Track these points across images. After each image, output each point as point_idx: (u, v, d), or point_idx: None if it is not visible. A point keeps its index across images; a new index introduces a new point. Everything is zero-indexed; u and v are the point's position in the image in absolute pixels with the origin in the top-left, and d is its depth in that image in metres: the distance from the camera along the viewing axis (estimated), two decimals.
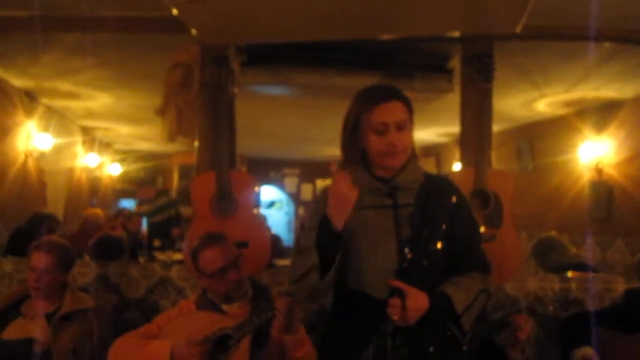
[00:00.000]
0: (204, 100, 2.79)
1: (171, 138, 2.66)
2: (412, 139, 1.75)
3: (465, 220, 1.78)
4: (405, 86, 3.24)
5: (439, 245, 1.72)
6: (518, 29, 2.44)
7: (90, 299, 2.52)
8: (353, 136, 1.73)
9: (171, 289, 2.91)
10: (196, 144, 2.86)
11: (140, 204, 6.50)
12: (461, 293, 1.68)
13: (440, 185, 1.80)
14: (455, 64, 3.33)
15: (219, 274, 2.17)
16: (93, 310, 2.47)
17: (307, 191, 10.76)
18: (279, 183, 11.02)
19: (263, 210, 10.75)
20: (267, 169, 10.73)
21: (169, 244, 6.07)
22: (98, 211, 5.24)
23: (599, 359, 2.25)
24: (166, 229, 6.12)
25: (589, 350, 2.30)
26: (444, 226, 1.73)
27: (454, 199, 1.77)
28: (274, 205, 11.34)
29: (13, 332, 2.38)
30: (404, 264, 1.67)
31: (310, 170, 10.67)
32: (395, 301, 1.60)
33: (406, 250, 1.67)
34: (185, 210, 6.14)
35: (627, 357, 2.24)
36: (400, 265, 1.67)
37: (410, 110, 1.72)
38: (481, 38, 2.85)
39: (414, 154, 1.78)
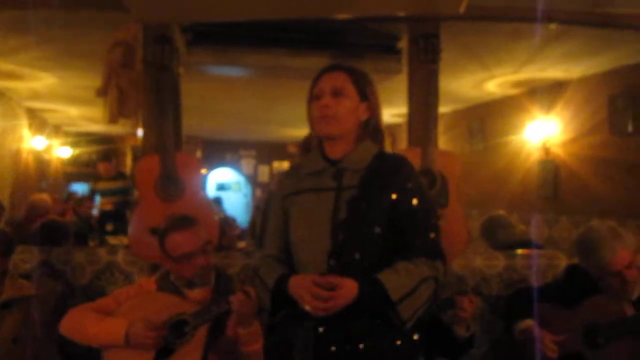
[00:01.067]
0: (147, 80, 2.71)
1: (113, 119, 2.58)
2: (354, 112, 1.70)
3: (415, 203, 1.69)
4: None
5: (377, 229, 1.64)
6: (462, 9, 2.45)
7: (31, 287, 2.45)
8: (309, 114, 1.74)
9: (118, 274, 2.86)
10: (140, 127, 2.79)
11: (97, 180, 6.28)
12: (400, 279, 1.59)
13: (390, 166, 1.72)
14: (404, 44, 3.33)
15: (185, 258, 2.12)
16: (35, 298, 2.40)
17: (264, 173, 10.72)
18: (235, 165, 10.94)
19: (219, 193, 10.67)
20: (224, 151, 10.64)
21: (122, 228, 5.95)
22: (44, 196, 5.09)
23: (540, 329, 2.31)
24: (120, 213, 5.99)
25: (530, 323, 2.37)
26: (387, 209, 1.66)
27: (404, 181, 1.70)
28: (226, 187, 11.25)
29: None
30: (336, 249, 1.62)
31: (267, 151, 10.64)
32: (313, 302, 1.55)
33: (339, 233, 1.63)
34: (135, 193, 6.01)
35: (567, 329, 2.31)
36: (333, 248, 1.63)
37: (355, 81, 1.70)
38: (427, 18, 2.85)
39: (367, 134, 1.74)
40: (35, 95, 6.05)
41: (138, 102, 2.65)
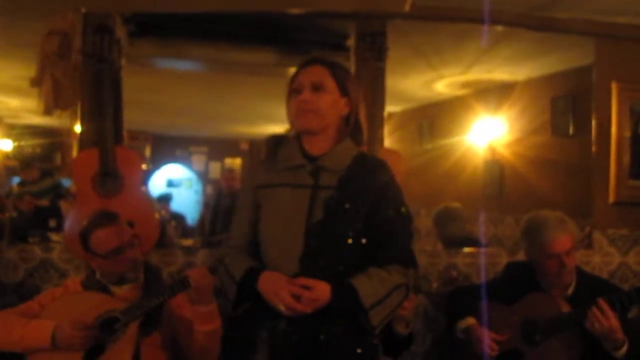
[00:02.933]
0: (85, 71, 2.62)
1: (48, 111, 2.48)
2: (334, 107, 1.67)
3: (392, 208, 1.69)
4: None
5: (352, 233, 1.63)
6: (407, 8, 2.46)
7: None
8: (288, 109, 1.72)
9: (53, 272, 2.76)
10: (76, 122, 2.70)
11: (23, 184, 6.16)
12: (372, 286, 1.59)
13: (368, 169, 1.70)
14: (353, 42, 3.33)
15: (113, 254, 2.07)
16: None
17: (215, 169, 10.58)
18: (186, 161, 10.77)
19: (169, 189, 10.48)
20: (174, 146, 10.45)
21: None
22: None
23: (481, 328, 2.35)
24: (54, 211, 5.81)
25: (471, 321, 2.41)
26: (363, 213, 1.64)
27: (382, 187, 1.68)
28: (177, 184, 11.07)
29: None
30: (308, 249, 1.60)
31: (218, 148, 10.51)
32: (288, 299, 1.53)
33: (313, 235, 1.60)
34: (72, 187, 5.88)
35: (506, 326, 2.36)
36: (305, 249, 1.60)
37: (335, 75, 1.67)
38: (374, 16, 2.85)
39: (348, 130, 1.72)
40: None
41: (75, 93, 2.55)
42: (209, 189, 10.35)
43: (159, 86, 5.46)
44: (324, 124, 1.67)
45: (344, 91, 1.68)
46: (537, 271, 2.44)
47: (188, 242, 5.60)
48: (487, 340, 2.32)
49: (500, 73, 4.79)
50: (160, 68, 4.01)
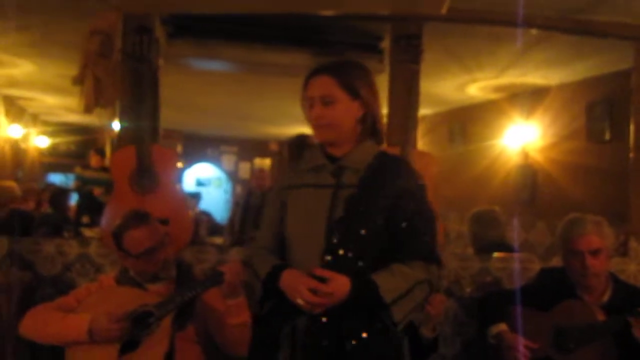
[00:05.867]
0: (125, 71, 2.68)
1: (88, 109, 2.54)
2: (348, 114, 1.67)
3: (413, 205, 1.67)
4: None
5: (373, 230, 1.63)
6: (443, 11, 2.45)
7: None
8: (305, 116, 1.73)
9: (89, 266, 2.81)
10: (115, 119, 2.76)
11: (85, 168, 6.31)
12: (393, 281, 1.59)
13: (390, 167, 1.70)
14: (387, 44, 3.33)
15: (145, 254, 2.10)
16: (1, 287, 2.36)
17: (244, 169, 10.66)
18: (216, 161, 10.87)
19: (199, 188, 10.60)
20: (205, 146, 10.56)
21: (98, 221, 5.88)
22: (11, 183, 5.01)
23: (513, 334, 2.33)
24: (97, 205, 5.93)
25: (503, 326, 2.38)
26: (384, 210, 1.64)
27: (403, 183, 1.68)
28: (206, 183, 11.19)
29: None
30: (330, 247, 1.61)
31: (248, 148, 10.59)
32: (306, 293, 1.55)
33: (334, 232, 1.62)
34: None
35: (538, 332, 2.33)
36: (327, 247, 1.62)
37: (342, 83, 1.65)
38: (410, 19, 2.85)
39: (366, 129, 1.71)
40: (13, 83, 5.95)
41: (115, 92, 2.61)
42: (239, 189, 10.44)
43: (192, 86, 5.54)
44: (341, 133, 1.69)
45: (354, 94, 1.67)
46: (569, 275, 2.41)
47: (218, 239, 5.66)
48: (520, 346, 2.29)
49: (534, 77, 4.74)
50: (195, 68, 4.07)
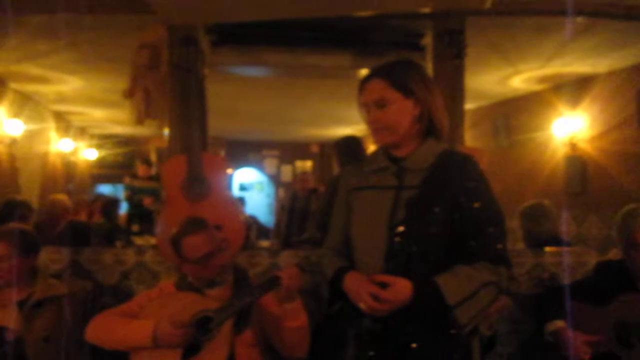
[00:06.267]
0: (173, 81, 2.74)
1: (139, 121, 2.61)
2: (404, 114, 1.65)
3: (479, 205, 1.62)
4: (377, 64, 3.23)
5: (435, 231, 1.60)
6: (487, 4, 2.43)
7: (63, 286, 2.49)
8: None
9: (146, 274, 2.88)
10: (165, 128, 2.82)
11: (134, 178, 6.49)
12: (457, 283, 1.56)
13: (453, 166, 1.66)
14: (428, 41, 3.31)
15: (204, 260, 2.14)
16: (66, 297, 2.44)
17: (287, 172, 10.73)
18: (258, 165, 10.97)
19: (241, 193, 10.71)
20: (246, 151, 10.67)
21: (148, 229, 6.03)
22: (62, 196, 5.18)
23: (572, 331, 2.28)
24: (147, 213, 6.08)
25: (561, 323, 2.33)
26: (448, 211, 1.61)
27: (466, 182, 1.63)
28: (249, 188, 11.29)
29: None
30: (392, 249, 1.61)
31: (290, 151, 10.65)
32: (367, 299, 1.56)
33: (396, 234, 1.61)
34: (164, 195, 6.11)
35: (598, 328, 2.28)
36: (389, 249, 1.61)
37: (394, 84, 1.64)
38: (452, 14, 2.83)
39: (423, 127, 1.68)
40: (62, 99, 6.16)
41: (164, 103, 2.68)
42: (281, 192, 10.50)
43: (232, 92, 5.62)
44: (400, 134, 1.68)
45: (407, 93, 1.65)
46: (629, 268, 2.34)
47: (265, 243, 5.71)
48: (578, 343, 2.24)
49: (580, 66, 4.62)
50: (236, 75, 4.14)
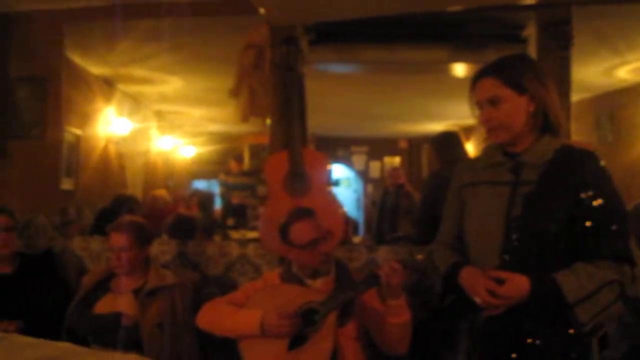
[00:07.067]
0: (274, 80, 2.82)
1: (244, 118, 2.72)
2: (518, 111, 1.63)
3: (600, 201, 1.57)
4: (476, 58, 3.16)
5: (554, 228, 1.56)
6: None
7: (173, 276, 2.63)
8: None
9: (248, 266, 2.99)
10: (268, 122, 2.91)
11: (228, 174, 6.76)
12: (577, 281, 1.52)
13: (572, 161, 1.62)
14: (530, 32, 3.19)
15: (310, 245, 2.21)
16: (176, 286, 2.58)
17: (375, 168, 10.70)
18: (347, 161, 11.02)
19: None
20: (335, 147, 10.73)
21: (243, 223, 6.24)
22: (163, 192, 5.48)
23: None
24: (241, 208, 6.29)
25: None
26: (567, 207, 1.57)
27: (586, 178, 1.59)
28: (337, 184, 11.35)
29: (103, 306, 2.52)
30: (509, 245, 1.60)
31: (378, 147, 10.61)
32: (483, 294, 1.56)
33: (513, 230, 1.59)
34: (260, 190, 6.29)
35: None
36: (505, 246, 1.60)
37: (506, 81, 1.62)
38: (557, 4, 2.72)
39: (538, 123, 1.66)
40: (163, 98, 6.47)
41: (267, 101, 2.76)
42: (370, 188, 10.50)
43: (322, 89, 5.66)
44: (514, 131, 1.65)
45: (520, 89, 1.62)
46: None
47: (357, 239, 5.75)
48: None
49: None
50: (328, 73, 4.18)
